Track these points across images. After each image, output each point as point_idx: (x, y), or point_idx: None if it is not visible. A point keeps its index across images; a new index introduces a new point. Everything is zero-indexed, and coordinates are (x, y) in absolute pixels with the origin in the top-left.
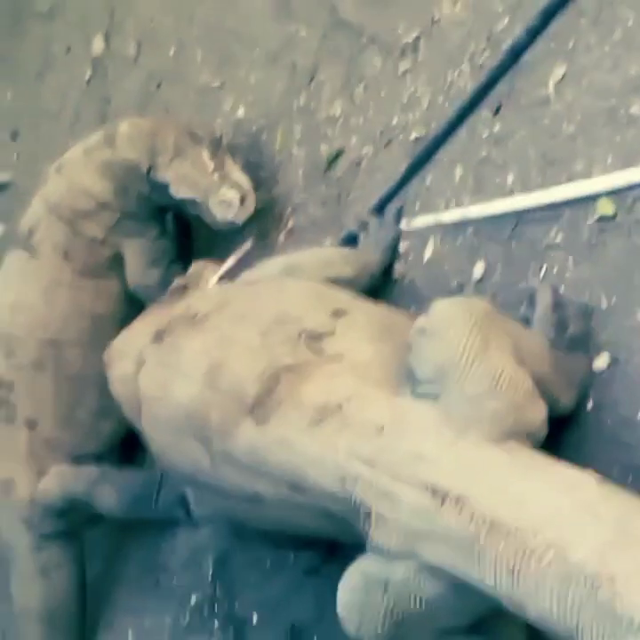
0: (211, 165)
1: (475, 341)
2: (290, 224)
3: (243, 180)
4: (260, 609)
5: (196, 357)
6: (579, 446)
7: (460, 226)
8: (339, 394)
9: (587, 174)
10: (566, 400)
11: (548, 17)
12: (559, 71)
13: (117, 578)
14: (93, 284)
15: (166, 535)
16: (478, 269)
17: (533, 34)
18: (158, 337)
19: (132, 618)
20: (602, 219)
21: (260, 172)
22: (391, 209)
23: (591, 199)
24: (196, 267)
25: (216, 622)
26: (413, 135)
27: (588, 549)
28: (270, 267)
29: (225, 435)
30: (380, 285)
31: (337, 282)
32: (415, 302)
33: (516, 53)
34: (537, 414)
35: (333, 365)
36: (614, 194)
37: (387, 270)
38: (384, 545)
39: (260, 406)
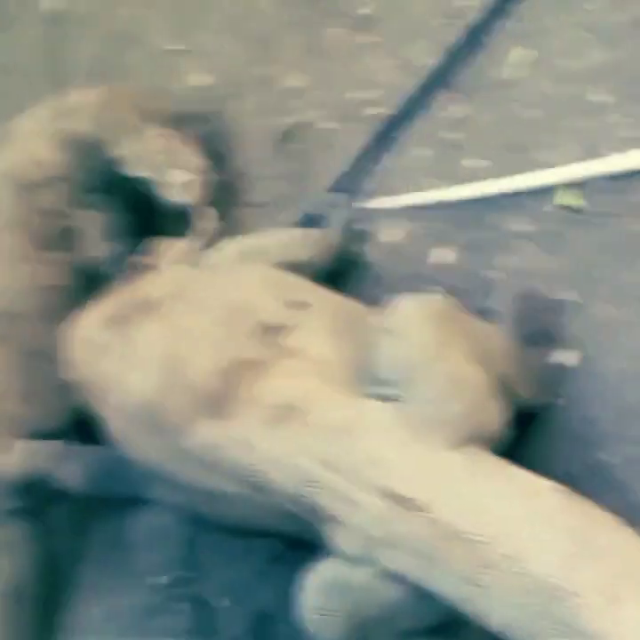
0: (161, 144)
1: (435, 343)
2: (249, 199)
3: (194, 159)
4: (228, 593)
5: (151, 348)
6: (545, 444)
7: (424, 210)
8: (297, 393)
9: (550, 163)
10: (529, 396)
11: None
12: (519, 53)
13: (83, 553)
14: (47, 256)
15: (131, 513)
16: (443, 255)
17: (493, 13)
18: (113, 322)
19: (99, 596)
20: (565, 209)
21: (217, 144)
22: (349, 189)
23: (554, 189)
24: (151, 245)
25: (185, 605)
26: (373, 112)
27: (548, 561)
28: (227, 250)
29: (182, 430)
30: (344, 267)
31: (296, 265)
32: (379, 287)
33: (475, 33)
34: (496, 416)
35: (292, 361)
36: (577, 185)
37: (349, 252)
38: (344, 549)
39: (217, 403)
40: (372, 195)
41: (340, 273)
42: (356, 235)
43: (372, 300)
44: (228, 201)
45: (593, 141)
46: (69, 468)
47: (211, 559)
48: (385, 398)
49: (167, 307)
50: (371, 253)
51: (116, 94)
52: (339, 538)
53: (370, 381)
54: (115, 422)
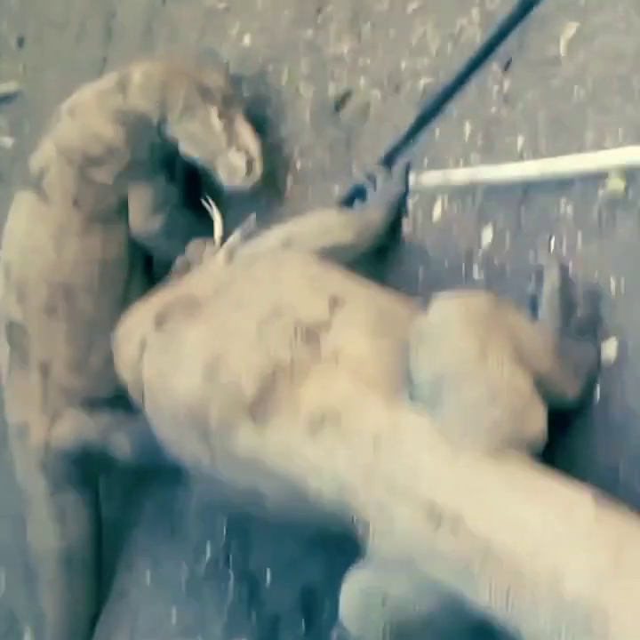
0: (219, 126)
1: (473, 346)
2: (297, 166)
3: (252, 143)
4: (273, 568)
5: (195, 348)
6: (586, 437)
7: (470, 187)
8: (335, 399)
9: (598, 145)
10: (572, 393)
11: None
12: (571, 29)
13: (135, 521)
14: (102, 229)
15: (181, 482)
16: (487, 235)
17: None
18: (159, 322)
19: (150, 560)
20: (612, 195)
21: (266, 108)
22: (400, 163)
23: (602, 174)
24: (198, 243)
25: (231, 576)
26: (422, 83)
27: (583, 579)
28: (269, 239)
29: (224, 432)
30: (388, 244)
31: (339, 249)
32: (423, 264)
33: (526, 5)
34: (536, 421)
35: (330, 364)
36: (625, 170)
37: (394, 228)
38: (381, 558)
39: (258, 406)
40: (422, 169)
41: (388, 248)
42: (404, 210)
43: (413, 279)
44: (279, 167)
45: None
46: (119, 438)
47: (257, 532)
48: (423, 403)
49: (211, 307)
50: (420, 230)
51: (178, 71)
52: (376, 546)
53: (408, 383)
54: (159, 421)
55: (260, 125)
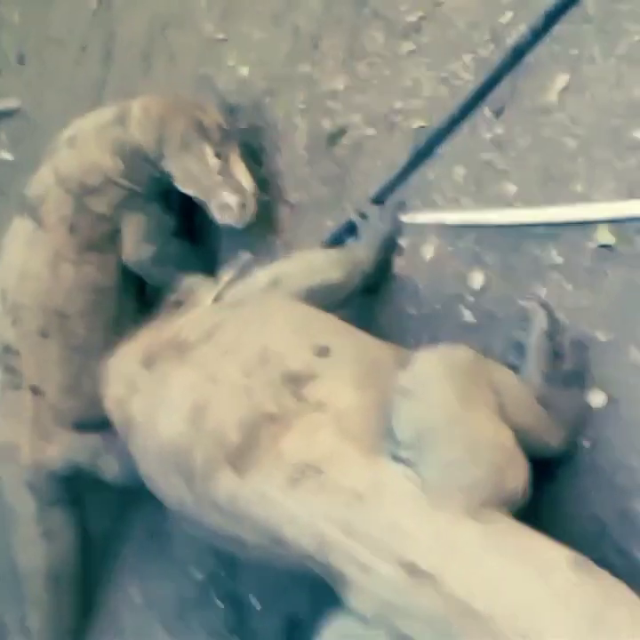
0: (214, 164)
1: (454, 404)
2: (291, 199)
3: (246, 181)
4: (260, 594)
5: (182, 393)
6: (573, 485)
7: (462, 229)
8: (318, 451)
9: (587, 196)
10: (557, 443)
11: (552, 18)
12: (563, 78)
13: (124, 539)
14: (97, 257)
15: None
16: (477, 279)
17: (537, 34)
18: (148, 363)
19: (138, 579)
20: (602, 247)
21: (262, 138)
22: (392, 201)
23: (591, 225)
24: (189, 281)
25: (219, 602)
26: (416, 124)
27: None
28: (257, 279)
29: (207, 478)
30: (380, 282)
31: (328, 288)
32: (414, 303)
33: (519, 53)
34: (518, 478)
35: (314, 415)
36: (615, 223)
37: (385, 266)
38: (359, 611)
39: (240, 456)
40: (414, 208)
41: (380, 284)
42: (396, 247)
43: (405, 318)
44: (274, 198)
45: (632, 180)
46: (109, 461)
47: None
48: (404, 460)
49: (200, 350)
50: (412, 268)
51: (176, 107)
52: (353, 599)
53: (390, 439)
54: (145, 461)
55: (256, 156)
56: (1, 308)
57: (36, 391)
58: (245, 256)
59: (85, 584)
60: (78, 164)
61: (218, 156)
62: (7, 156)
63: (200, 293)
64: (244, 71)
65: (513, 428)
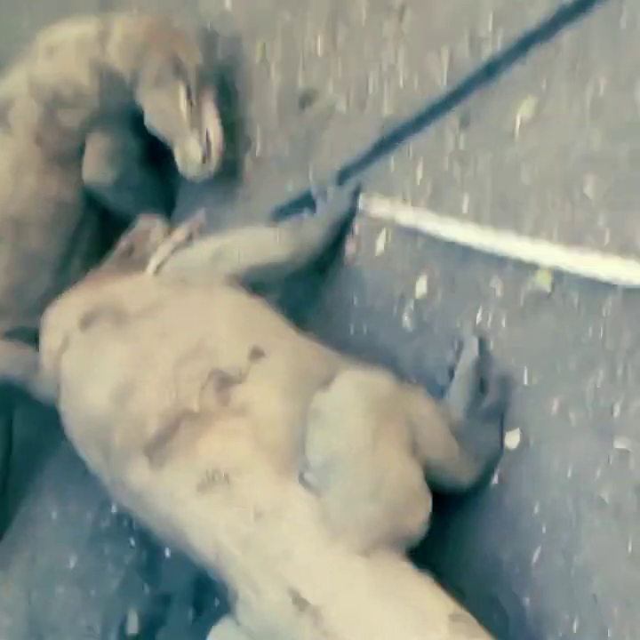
0: (185, 107)
1: (365, 437)
2: (257, 150)
3: (214, 133)
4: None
5: (113, 367)
6: (478, 518)
7: (413, 231)
8: (231, 459)
9: (534, 234)
10: (468, 478)
11: (527, 43)
12: (529, 108)
13: (49, 453)
14: (61, 171)
15: None
16: (421, 286)
17: (511, 55)
18: (84, 322)
19: (58, 497)
20: (539, 290)
21: (236, 78)
22: (351, 183)
23: (533, 266)
24: (143, 223)
25: (132, 540)
26: (385, 111)
27: None
28: (201, 251)
29: (122, 462)
30: (328, 261)
31: (271, 266)
32: (358, 293)
33: (491, 69)
34: (417, 517)
35: (235, 420)
36: (554, 269)
37: (336, 246)
38: (246, 627)
39: (156, 448)
40: (369, 195)
41: (329, 268)
42: (348, 230)
43: (348, 304)
44: (240, 146)
45: (576, 232)
46: (39, 380)
47: None
48: (311, 484)
49: (137, 326)
50: (361, 257)
51: (158, 39)
52: (242, 615)
53: (302, 462)
54: (69, 419)
55: (227, 94)
56: None
57: None
58: (200, 214)
59: (4, 490)
60: (54, 75)
61: (190, 100)
62: None
63: (152, 241)
64: (228, 3)
65: (424, 463)
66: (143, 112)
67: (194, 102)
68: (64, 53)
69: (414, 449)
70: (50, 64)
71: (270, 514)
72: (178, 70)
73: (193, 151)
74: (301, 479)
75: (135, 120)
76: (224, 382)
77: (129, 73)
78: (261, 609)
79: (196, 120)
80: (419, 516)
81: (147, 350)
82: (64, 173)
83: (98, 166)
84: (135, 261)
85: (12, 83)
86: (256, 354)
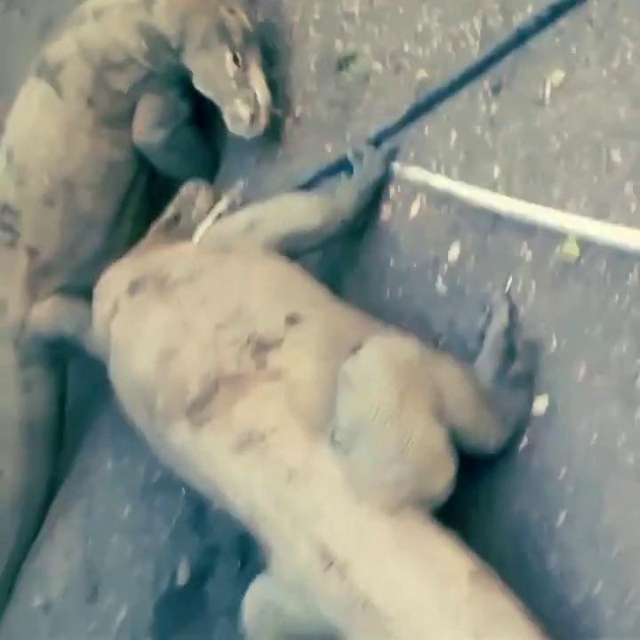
0: (232, 70)
1: (392, 399)
2: (297, 112)
3: (261, 92)
4: None
5: (156, 332)
6: (506, 479)
7: (447, 197)
8: (265, 421)
9: (562, 203)
10: (496, 442)
11: (557, 11)
12: (558, 75)
13: (104, 407)
14: (112, 132)
15: None
16: (454, 251)
17: (541, 23)
18: (132, 288)
19: (112, 450)
20: (567, 258)
21: (276, 39)
22: (386, 147)
23: (561, 234)
24: (189, 188)
25: (182, 494)
26: (420, 74)
27: None
28: (236, 221)
29: (165, 422)
30: (364, 225)
31: (305, 234)
32: (394, 255)
33: (522, 36)
34: (442, 480)
35: (270, 384)
36: (581, 239)
37: (370, 211)
38: (280, 579)
39: (196, 410)
40: (407, 160)
41: (366, 230)
42: (378, 194)
43: (385, 267)
44: (281, 106)
45: (605, 201)
46: (92, 336)
47: None
48: (340, 445)
49: (180, 293)
50: (396, 221)
51: (204, 1)
52: (275, 569)
53: (332, 425)
54: (119, 382)
55: (268, 56)
56: (5, 164)
57: (31, 252)
58: (239, 185)
59: (59, 440)
60: (102, 39)
61: (236, 61)
62: None
63: (197, 208)
64: None
65: (451, 426)
66: (191, 74)
67: (240, 63)
68: (111, 17)
69: (440, 412)
70: (98, 27)
71: (301, 473)
72: (223, 33)
73: (242, 111)
74: (332, 441)
75: (184, 81)
76: (261, 347)
77: (175, 36)
78: (292, 564)
79: (243, 80)
80: (443, 477)
81: (188, 316)
82: (115, 135)
83: (148, 127)
84: (181, 230)
85: (62, 46)
86: (292, 320)
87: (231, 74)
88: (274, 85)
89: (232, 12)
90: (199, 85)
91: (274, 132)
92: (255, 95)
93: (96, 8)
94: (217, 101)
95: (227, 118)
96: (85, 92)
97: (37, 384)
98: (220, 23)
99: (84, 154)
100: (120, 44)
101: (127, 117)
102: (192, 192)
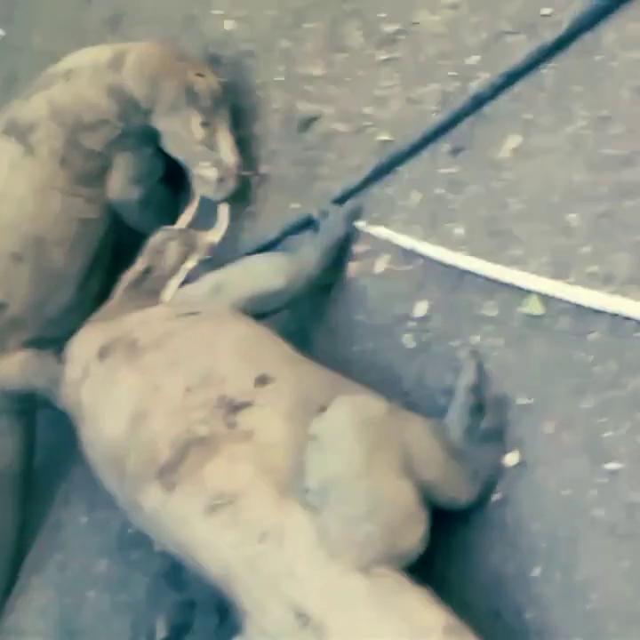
0: (200, 134)
1: (361, 459)
2: (262, 170)
3: (229, 155)
4: None
5: (126, 396)
6: (480, 535)
7: (412, 254)
8: (236, 483)
9: (523, 262)
10: (466, 497)
11: (511, 78)
12: (515, 139)
13: (77, 458)
14: (86, 190)
15: None
16: (421, 308)
17: (497, 89)
18: (102, 353)
19: (87, 503)
20: (532, 314)
21: (239, 99)
22: (350, 206)
23: (525, 291)
24: (157, 239)
25: (157, 547)
26: (381, 135)
27: None
28: (201, 285)
29: (136, 486)
30: (331, 281)
31: (270, 294)
32: (362, 311)
33: (479, 101)
34: (413, 537)
35: (240, 446)
36: (544, 297)
37: (337, 266)
38: None
39: (167, 473)
40: (368, 217)
41: (334, 286)
42: (343, 251)
43: (354, 324)
44: (246, 164)
45: (564, 261)
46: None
47: None
48: (311, 505)
49: (148, 356)
50: (364, 277)
51: (171, 65)
52: (250, 630)
53: (302, 485)
54: (89, 446)
55: (232, 115)
56: None
57: None
58: (209, 241)
59: (28, 489)
60: (74, 100)
61: (205, 125)
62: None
63: (167, 260)
64: (229, 24)
65: (420, 483)
66: (160, 135)
67: (209, 126)
68: (82, 78)
69: (409, 469)
70: (69, 89)
71: (273, 534)
72: (192, 96)
73: (209, 174)
74: (302, 501)
75: (157, 139)
76: (231, 408)
77: (144, 98)
78: (268, 624)
79: (212, 142)
80: (415, 534)
81: (158, 379)
82: (88, 193)
83: (125, 185)
84: (152, 284)
85: (33, 107)
86: (261, 381)
87: (199, 137)
88: (240, 145)
89: (201, 74)
90: (168, 147)
91: (240, 192)
92: (223, 158)
93: (66, 70)
94: (185, 164)
95: (194, 181)
96: (58, 152)
97: (4, 434)
98: (188, 86)
99: (56, 212)
100: (92, 105)
101: (100, 175)
102: (162, 240)
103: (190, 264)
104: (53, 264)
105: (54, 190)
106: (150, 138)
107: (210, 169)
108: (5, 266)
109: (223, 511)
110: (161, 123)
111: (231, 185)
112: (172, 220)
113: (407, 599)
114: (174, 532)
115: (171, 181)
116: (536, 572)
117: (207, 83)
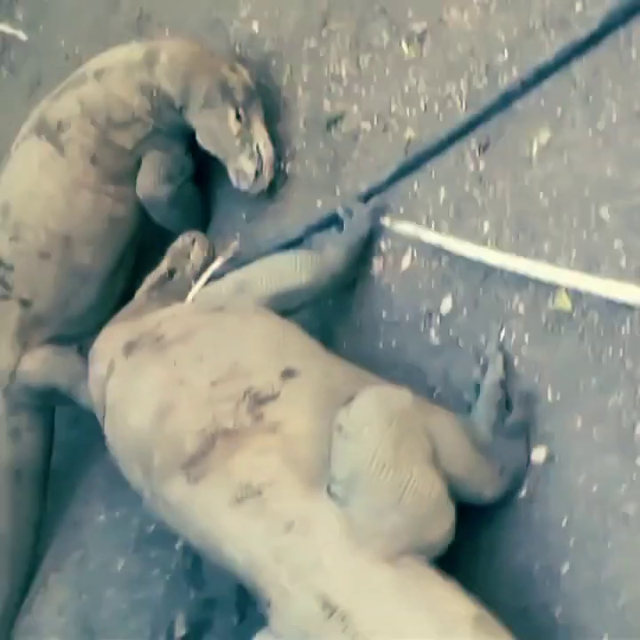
0: (235, 128)
1: (387, 449)
2: (286, 168)
3: (265, 148)
4: None
5: (152, 390)
6: (508, 532)
7: (437, 250)
8: (262, 475)
9: (552, 258)
10: (492, 492)
11: (541, 74)
12: (545, 135)
13: (96, 457)
14: (115, 189)
15: None
16: (446, 304)
17: (526, 85)
18: (128, 349)
19: (105, 502)
20: (560, 310)
21: (265, 98)
22: (375, 202)
23: (553, 287)
24: (182, 242)
25: (177, 545)
26: (407, 133)
27: None
28: (225, 284)
29: (161, 478)
30: (355, 278)
31: (294, 292)
32: (386, 308)
33: (508, 98)
34: (440, 528)
35: (266, 437)
36: (572, 291)
37: (361, 264)
38: (279, 633)
39: (193, 465)
40: (394, 214)
41: (358, 283)
42: (367, 248)
43: (378, 319)
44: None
45: (594, 256)
46: (85, 389)
47: None
48: (337, 496)
49: (174, 350)
50: (389, 274)
51: (204, 61)
52: (275, 622)
53: (328, 476)
54: (113, 441)
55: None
56: (1, 222)
57: (23, 302)
58: (233, 245)
59: (46, 486)
60: (105, 99)
61: (240, 119)
62: (22, 35)
63: (192, 263)
64: (255, 26)
65: (446, 477)
66: (194, 131)
67: (243, 120)
68: (113, 77)
69: (436, 461)
70: (100, 88)
71: (299, 525)
72: (226, 91)
73: (246, 168)
74: (328, 492)
75: (187, 137)
76: (257, 401)
77: (178, 95)
78: (292, 615)
79: (247, 137)
80: (441, 526)
81: (184, 373)
82: (118, 191)
83: (154, 183)
84: (175, 286)
85: (63, 106)
86: (287, 374)
87: (235, 131)
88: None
89: (234, 70)
90: (203, 143)
91: (267, 188)
92: (259, 151)
93: (97, 69)
94: (221, 158)
95: (232, 175)
96: (89, 150)
97: (25, 431)
98: (222, 82)
99: (85, 210)
100: (124, 103)
101: (131, 173)
102: (186, 244)
103: (215, 266)
104: (79, 263)
105: (84, 188)
106: (180, 136)
107: (247, 163)
108: (32, 264)
109: (250, 502)
110: (196, 119)
111: (268, 178)
112: (200, 219)
113: (435, 589)
114: (200, 523)
115: (199, 181)
116: (565, 568)
117: (240, 78)
